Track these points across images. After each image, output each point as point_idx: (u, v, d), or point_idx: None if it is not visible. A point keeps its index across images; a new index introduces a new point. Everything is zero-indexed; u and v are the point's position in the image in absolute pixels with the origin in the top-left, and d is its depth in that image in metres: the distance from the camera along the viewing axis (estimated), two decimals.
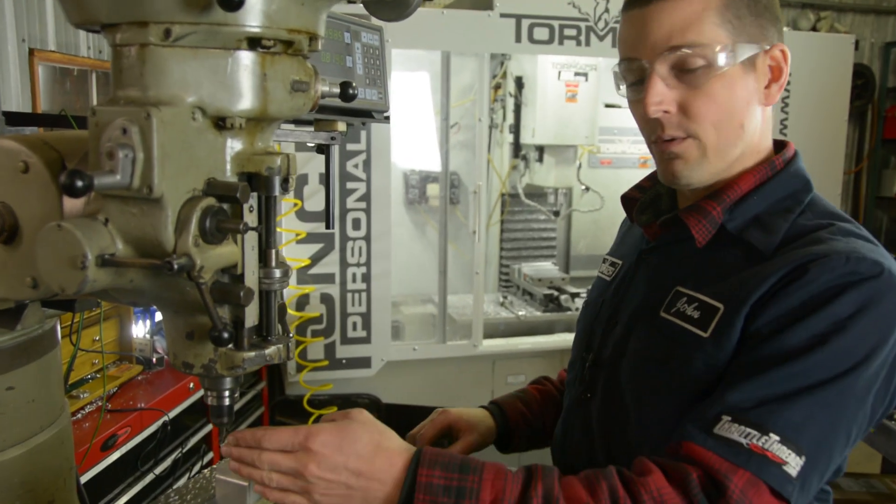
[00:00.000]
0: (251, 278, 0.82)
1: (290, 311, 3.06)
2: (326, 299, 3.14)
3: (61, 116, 1.01)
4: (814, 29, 5.80)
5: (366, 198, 3.13)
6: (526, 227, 4.35)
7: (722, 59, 1.03)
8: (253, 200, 0.81)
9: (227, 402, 0.91)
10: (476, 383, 3.53)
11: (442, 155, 3.53)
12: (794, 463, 0.90)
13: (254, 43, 0.76)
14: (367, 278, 3.18)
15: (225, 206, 0.79)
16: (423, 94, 3.76)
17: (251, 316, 0.83)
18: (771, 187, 1.09)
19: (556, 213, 4.24)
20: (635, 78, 1.09)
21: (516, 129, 3.97)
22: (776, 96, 1.10)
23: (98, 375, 2.25)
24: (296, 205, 2.98)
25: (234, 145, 0.80)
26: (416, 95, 3.76)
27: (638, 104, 1.09)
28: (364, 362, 3.23)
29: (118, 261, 0.74)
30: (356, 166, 3.10)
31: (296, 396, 3.16)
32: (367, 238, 3.16)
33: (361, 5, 0.91)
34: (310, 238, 3.05)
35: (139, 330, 2.46)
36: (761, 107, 1.10)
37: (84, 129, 0.78)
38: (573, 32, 3.29)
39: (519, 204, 4.20)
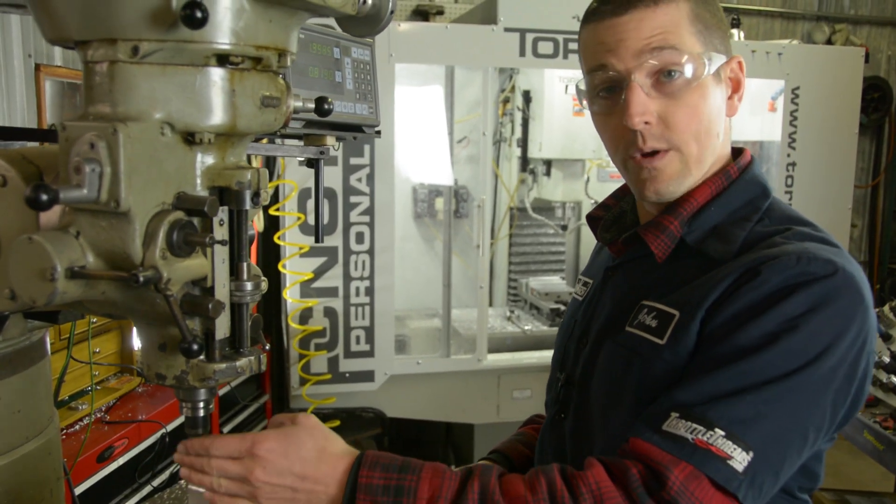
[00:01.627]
0: (221, 291, 0.83)
1: (293, 325, 3.07)
2: (330, 313, 3.15)
3: (51, 131, 1.02)
4: (829, 42, 5.77)
5: (369, 211, 3.14)
6: (534, 242, 4.35)
7: (699, 68, 1.03)
8: (223, 214, 0.82)
9: (201, 413, 0.92)
10: (481, 398, 3.52)
11: (447, 169, 3.54)
12: (740, 458, 0.90)
13: (222, 59, 0.77)
14: (370, 292, 3.19)
15: (196, 220, 0.80)
16: (435, 109, 3.78)
17: (222, 328, 0.84)
18: (728, 197, 1.09)
19: (564, 228, 4.23)
20: (606, 90, 1.07)
21: (524, 143, 3.97)
22: (737, 107, 1.11)
23: (99, 387, 2.27)
24: (299, 218, 2.99)
25: (204, 160, 0.81)
26: (427, 110, 3.77)
27: (609, 117, 1.08)
28: (367, 376, 3.23)
29: (86, 273, 0.76)
30: (360, 180, 3.11)
31: (299, 410, 3.16)
32: (371, 252, 3.17)
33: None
34: (313, 251, 3.06)
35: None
36: (726, 117, 1.11)
37: None
38: (577, 46, 3.29)
39: (527, 218, 4.19)
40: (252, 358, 0.87)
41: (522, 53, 3.24)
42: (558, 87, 3.67)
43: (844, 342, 0.95)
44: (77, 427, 2.08)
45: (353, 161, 3.09)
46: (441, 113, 3.66)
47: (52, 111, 2.62)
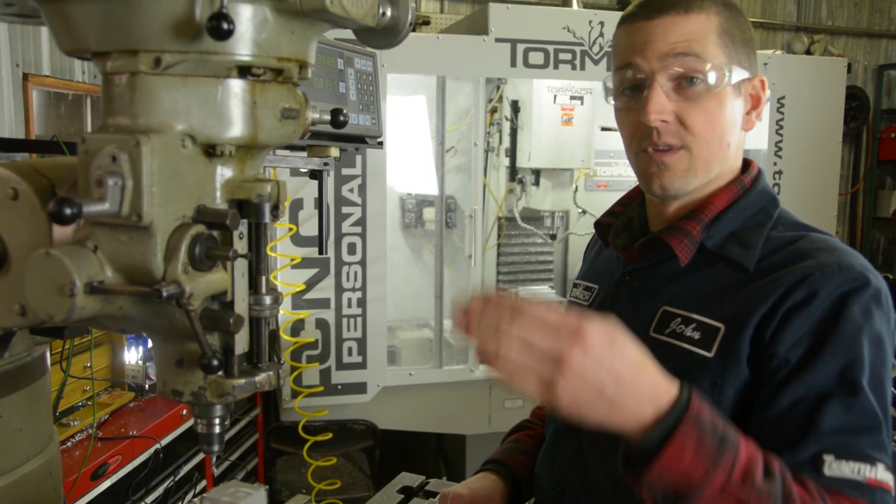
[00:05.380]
0: (241, 305, 0.82)
1: (285, 337, 3.05)
2: (321, 324, 3.13)
3: (53, 142, 1.01)
4: (808, 52, 5.87)
5: (361, 222, 3.13)
6: (523, 251, 4.35)
7: (720, 77, 1.08)
8: (243, 227, 0.81)
9: (217, 429, 0.90)
10: (473, 408, 3.51)
11: (438, 179, 3.54)
12: (892, 482, 0.94)
13: (244, 71, 0.76)
14: (362, 303, 3.17)
15: (215, 233, 0.79)
16: (420, 118, 3.78)
17: (241, 343, 0.82)
18: (743, 204, 1.14)
19: (553, 237, 4.24)
20: (631, 88, 1.12)
21: (512, 153, 3.98)
22: (754, 123, 1.16)
23: (89, 402, 2.23)
24: (291, 229, 2.97)
25: (224, 172, 0.80)
26: (412, 119, 3.77)
27: (631, 112, 1.13)
28: (360, 388, 3.21)
29: (106, 288, 0.74)
30: (351, 191, 3.10)
31: (290, 423, 3.13)
32: (363, 262, 3.15)
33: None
34: (305, 263, 3.04)
35: (131, 356, 2.45)
36: (741, 131, 1.15)
37: (76, 156, 0.78)
38: (568, 57, 3.31)
39: (516, 228, 4.20)
40: (271, 373, 0.85)
41: (514, 64, 3.25)
42: (547, 97, 3.68)
43: (886, 329, 1.01)
44: (69, 444, 2.04)
45: (346, 171, 3.08)
46: (426, 122, 3.66)
47: (40, 121, 2.59)
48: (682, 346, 1.07)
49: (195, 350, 0.80)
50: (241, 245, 0.81)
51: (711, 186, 1.15)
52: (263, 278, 0.84)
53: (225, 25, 0.69)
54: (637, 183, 1.24)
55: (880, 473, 0.93)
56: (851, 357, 0.97)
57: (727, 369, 1.02)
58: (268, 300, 0.84)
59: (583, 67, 3.36)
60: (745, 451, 0.86)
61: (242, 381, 0.83)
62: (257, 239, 0.83)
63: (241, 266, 0.81)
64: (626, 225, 1.29)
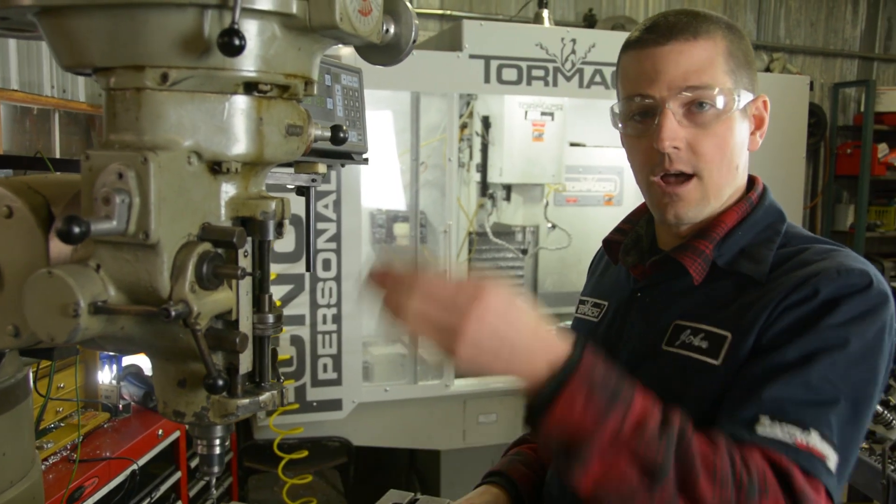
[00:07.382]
0: (246, 324, 0.80)
1: None
2: (297, 341, 3.10)
3: (37, 158, 0.99)
4: (767, 69, 6.02)
5: (336, 238, 3.11)
6: (494, 266, 4.36)
7: (729, 102, 1.10)
8: (247, 245, 0.80)
9: (217, 450, 0.88)
10: (447, 423, 3.49)
11: (412, 194, 3.54)
12: (832, 458, 0.94)
13: (250, 87, 0.75)
14: (337, 319, 3.15)
15: (219, 251, 0.78)
16: (386, 133, 3.77)
17: (245, 362, 0.81)
18: (752, 221, 1.16)
19: (524, 252, 4.26)
20: (640, 114, 1.13)
21: (483, 168, 4.00)
22: (759, 142, 1.18)
23: (62, 424, 2.17)
24: None
25: (228, 190, 0.79)
26: (382, 135, 3.76)
27: (642, 139, 1.14)
28: (335, 404, 3.18)
29: (112, 308, 0.72)
30: (326, 207, 3.09)
31: (265, 441, 3.09)
32: (338, 279, 3.14)
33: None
34: (280, 279, 3.01)
35: (105, 376, 2.39)
36: (747, 151, 1.17)
37: (63, 172, 0.76)
38: (541, 73, 3.35)
39: (486, 242, 4.21)
40: (274, 392, 0.84)
41: (487, 80, 3.27)
42: (518, 112, 3.71)
43: (885, 339, 1.02)
44: (43, 466, 1.98)
45: (321, 188, 3.06)
46: (395, 138, 3.66)
47: (7, 136, 2.53)
48: (690, 355, 1.08)
49: (198, 370, 0.79)
50: (245, 263, 0.80)
51: (723, 206, 1.17)
52: (267, 296, 0.83)
53: (237, 41, 0.68)
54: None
55: (813, 439, 0.93)
56: (822, 345, 0.98)
57: (734, 376, 1.03)
58: (271, 318, 0.83)
59: (555, 84, 3.40)
60: (639, 403, 0.90)
61: (246, 400, 0.82)
62: (261, 257, 0.82)
63: (246, 284, 0.80)
64: (635, 242, 1.31)
